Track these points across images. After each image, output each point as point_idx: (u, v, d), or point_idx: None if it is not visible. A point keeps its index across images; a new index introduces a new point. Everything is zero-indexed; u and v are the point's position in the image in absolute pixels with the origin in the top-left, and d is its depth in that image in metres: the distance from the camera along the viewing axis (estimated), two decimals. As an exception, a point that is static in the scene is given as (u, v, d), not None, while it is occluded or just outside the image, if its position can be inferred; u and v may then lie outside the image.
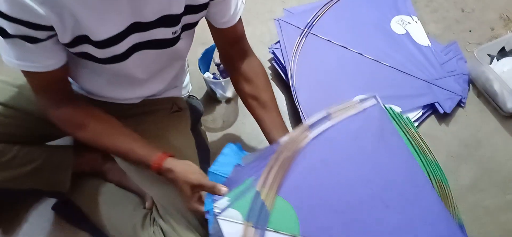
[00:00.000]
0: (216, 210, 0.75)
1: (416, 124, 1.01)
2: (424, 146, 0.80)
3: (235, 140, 1.09)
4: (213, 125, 1.12)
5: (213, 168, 0.82)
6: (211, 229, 0.75)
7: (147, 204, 0.92)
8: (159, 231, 0.84)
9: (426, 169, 0.77)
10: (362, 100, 0.84)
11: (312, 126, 0.82)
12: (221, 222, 0.74)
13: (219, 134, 1.10)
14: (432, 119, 1.06)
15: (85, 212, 0.97)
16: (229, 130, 1.12)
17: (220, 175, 0.81)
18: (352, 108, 0.83)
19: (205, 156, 1.08)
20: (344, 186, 0.76)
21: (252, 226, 0.73)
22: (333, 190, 0.76)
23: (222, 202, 0.75)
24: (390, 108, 0.84)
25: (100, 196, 0.95)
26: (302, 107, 1.15)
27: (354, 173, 0.77)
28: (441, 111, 1.03)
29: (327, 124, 0.81)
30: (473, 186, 0.93)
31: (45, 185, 0.91)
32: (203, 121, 1.13)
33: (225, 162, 0.83)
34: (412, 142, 0.80)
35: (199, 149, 0.97)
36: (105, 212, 0.94)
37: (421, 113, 1.02)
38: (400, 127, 0.81)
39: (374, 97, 0.84)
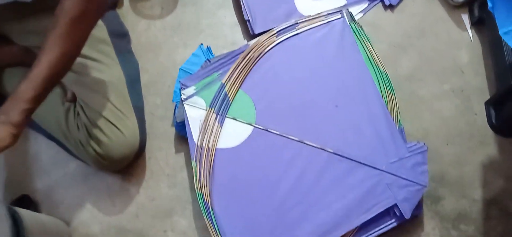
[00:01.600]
0: (183, 97, 0.83)
1: (361, 15, 1.01)
2: (377, 59, 0.86)
3: (175, 29, 1.00)
4: (150, 12, 1.03)
5: (183, 66, 0.90)
6: (176, 113, 0.84)
7: (68, 95, 0.82)
8: (82, 124, 0.77)
9: (377, 79, 0.84)
10: (329, 13, 0.90)
11: (280, 32, 0.88)
12: (186, 107, 0.82)
13: (158, 23, 1.02)
14: (378, 7, 1.03)
15: None
16: (168, 19, 1.02)
17: (189, 73, 0.88)
18: (318, 20, 0.89)
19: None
20: (301, 86, 0.84)
21: (214, 113, 0.82)
22: (290, 89, 0.84)
23: (189, 90, 0.83)
24: (354, 23, 0.89)
25: None
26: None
27: (311, 76, 0.84)
28: (387, 2, 1.00)
29: (293, 32, 0.87)
30: (411, 76, 0.93)
31: None
32: (140, 6, 1.03)
33: (195, 62, 0.90)
34: (368, 55, 0.86)
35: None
36: None
37: (367, 4, 1.00)
38: (360, 41, 0.87)
39: (340, 11, 0.89)
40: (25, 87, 0.57)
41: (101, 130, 0.74)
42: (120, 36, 0.88)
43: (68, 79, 0.77)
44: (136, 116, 0.79)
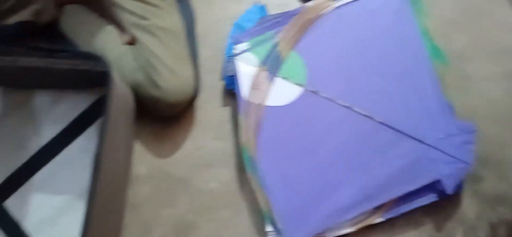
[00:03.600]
0: (235, 51, 0.84)
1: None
2: (432, 32, 0.85)
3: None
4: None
5: (237, 21, 0.90)
6: (227, 67, 0.85)
7: (127, 38, 0.82)
8: (141, 67, 0.78)
9: (432, 53, 0.83)
10: (388, -17, 0.89)
11: (337, -4, 0.88)
12: (238, 63, 0.83)
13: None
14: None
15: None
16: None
17: (243, 28, 0.89)
18: (376, -13, 0.88)
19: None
20: (354, 53, 0.84)
21: (265, 70, 0.83)
22: (343, 55, 0.84)
23: (242, 46, 0.84)
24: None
25: (81, 26, 0.85)
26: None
27: (365, 43, 0.84)
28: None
29: (350, -2, 0.87)
30: (462, 53, 0.92)
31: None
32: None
33: (249, 18, 0.91)
34: (424, 27, 0.85)
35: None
36: (87, 41, 0.83)
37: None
38: (417, 12, 0.86)
39: (400, -18, 0.88)
40: None
41: (159, 73, 0.76)
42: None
43: (128, 21, 0.79)
44: (192, 64, 0.81)
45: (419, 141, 0.78)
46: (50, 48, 0.69)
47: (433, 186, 0.77)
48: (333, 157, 0.79)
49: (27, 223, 0.74)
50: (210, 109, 0.88)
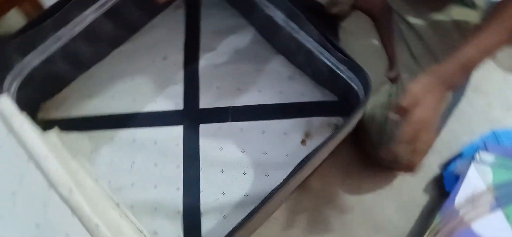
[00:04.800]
0: (477, 156, 0.76)
1: None
2: None
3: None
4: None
5: (497, 130, 0.81)
6: (457, 164, 0.79)
7: (393, 74, 0.77)
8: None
9: None
10: None
11: None
12: (472, 168, 0.76)
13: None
14: None
15: None
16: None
17: (497, 141, 0.80)
18: None
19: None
20: None
21: (494, 196, 0.74)
22: None
23: (486, 156, 0.76)
24: None
25: (358, 34, 0.83)
26: None
27: None
28: None
29: None
30: None
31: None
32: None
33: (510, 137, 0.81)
34: None
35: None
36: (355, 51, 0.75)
37: None
38: None
39: None
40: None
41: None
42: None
43: (402, 59, 0.78)
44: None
45: None
46: (325, 35, 0.70)
47: None
48: None
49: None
50: (413, 184, 0.84)
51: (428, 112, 0.59)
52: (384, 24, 0.81)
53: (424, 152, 0.62)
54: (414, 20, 0.80)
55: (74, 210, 0.56)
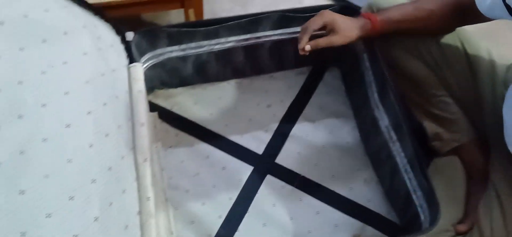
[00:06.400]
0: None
1: None
2: None
3: None
4: None
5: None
6: None
7: (461, 227, 0.73)
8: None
9: None
10: None
11: None
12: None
13: None
14: None
15: None
16: None
17: None
18: None
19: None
20: None
21: None
22: None
23: None
24: None
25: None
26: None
27: None
28: None
29: None
30: None
31: None
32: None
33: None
34: None
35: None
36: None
37: None
38: None
39: None
40: None
41: None
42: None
43: None
44: None
45: None
46: (419, 154, 0.71)
47: None
48: None
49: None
50: None
51: None
52: (476, 186, 0.79)
53: None
54: (506, 199, 0.75)
55: (139, 178, 0.65)
